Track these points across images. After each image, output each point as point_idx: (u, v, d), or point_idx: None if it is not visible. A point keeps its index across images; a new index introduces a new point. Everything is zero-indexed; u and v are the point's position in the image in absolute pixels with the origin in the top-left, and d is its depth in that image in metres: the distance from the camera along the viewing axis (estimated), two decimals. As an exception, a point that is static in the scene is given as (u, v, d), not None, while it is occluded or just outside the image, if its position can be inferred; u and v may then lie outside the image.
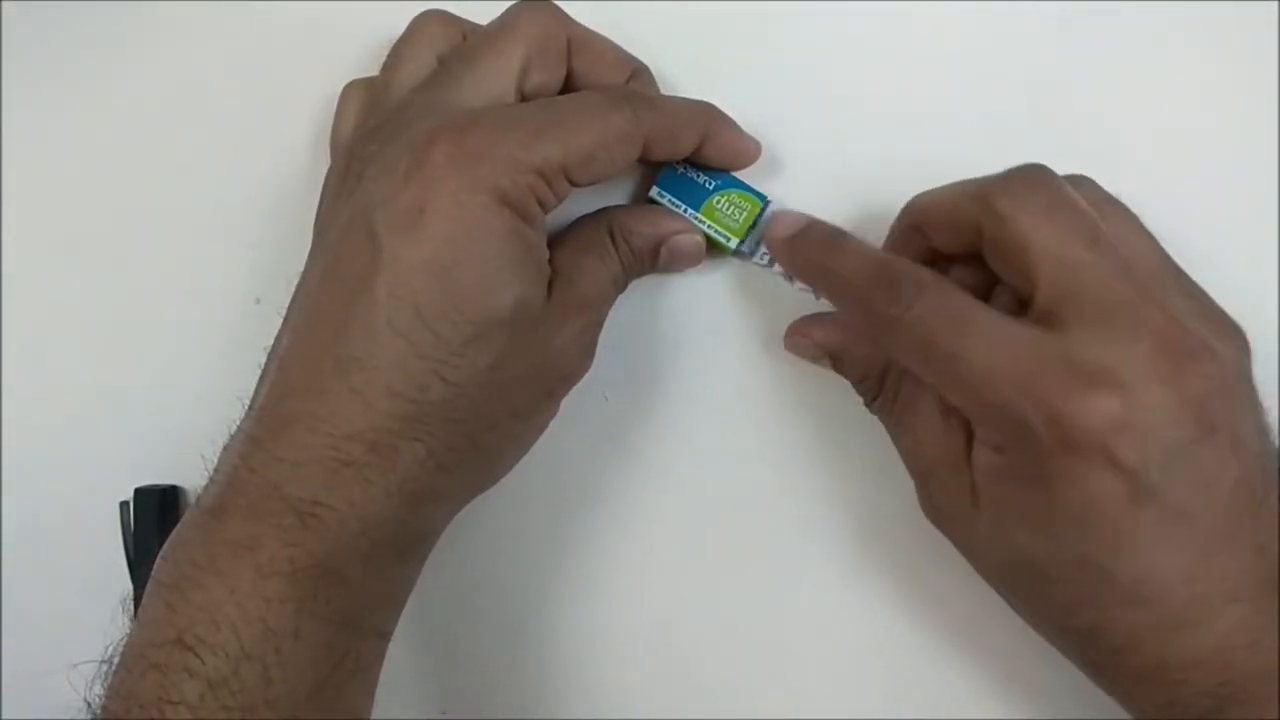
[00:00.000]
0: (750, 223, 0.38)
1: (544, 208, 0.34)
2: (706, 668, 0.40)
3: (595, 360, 0.37)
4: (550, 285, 0.35)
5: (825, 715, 0.39)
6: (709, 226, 0.38)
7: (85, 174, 0.43)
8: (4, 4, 0.43)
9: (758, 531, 0.40)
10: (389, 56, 0.38)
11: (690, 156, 0.37)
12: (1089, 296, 0.31)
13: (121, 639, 0.31)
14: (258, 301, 0.41)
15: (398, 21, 0.39)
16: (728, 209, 0.38)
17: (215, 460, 0.33)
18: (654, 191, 0.38)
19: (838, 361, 0.38)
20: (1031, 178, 0.33)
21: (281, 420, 0.32)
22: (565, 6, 0.37)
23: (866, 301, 0.33)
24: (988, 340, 0.31)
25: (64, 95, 0.43)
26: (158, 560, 0.32)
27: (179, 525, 0.32)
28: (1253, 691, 0.30)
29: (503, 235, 0.32)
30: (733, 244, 0.38)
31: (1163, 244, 0.35)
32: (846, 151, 0.40)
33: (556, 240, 0.36)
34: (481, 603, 0.40)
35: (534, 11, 0.36)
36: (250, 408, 0.33)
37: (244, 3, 0.42)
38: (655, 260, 0.38)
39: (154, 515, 0.40)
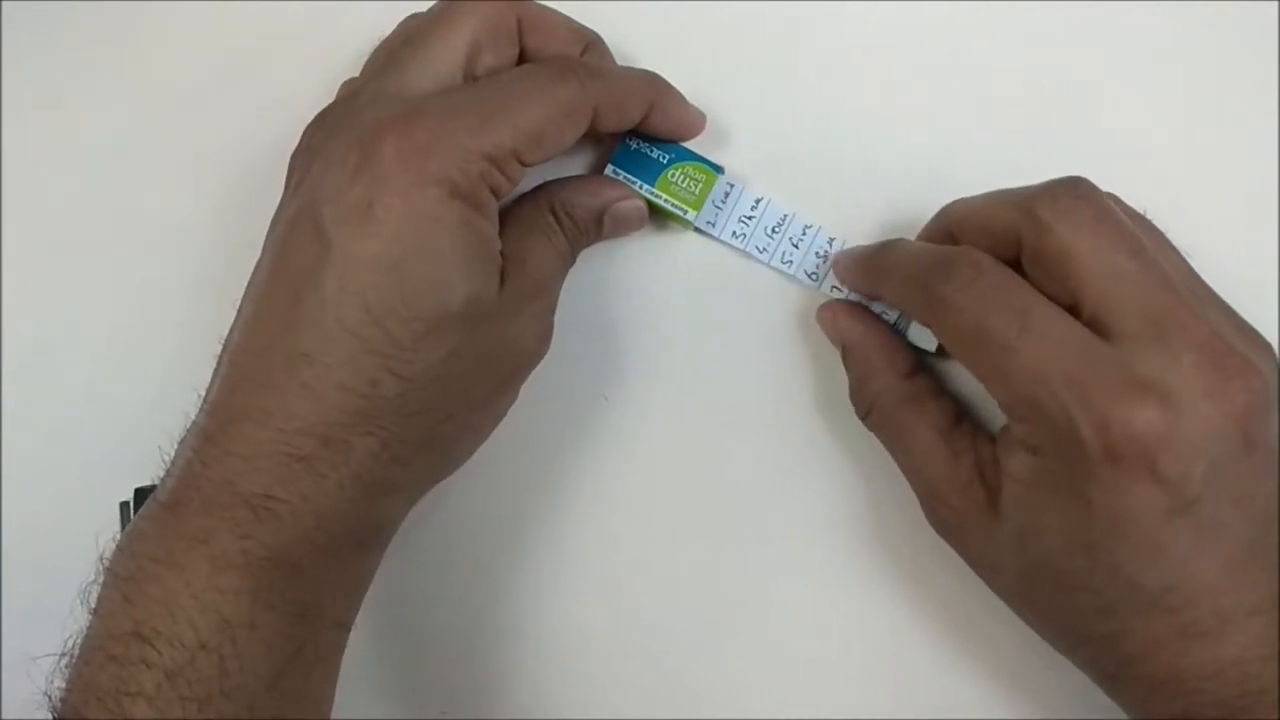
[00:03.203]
0: (705, 194, 0.38)
1: (496, 194, 0.33)
2: (707, 668, 0.40)
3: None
4: (500, 273, 0.34)
5: (827, 716, 0.39)
6: (665, 200, 0.38)
7: (85, 174, 0.43)
8: (4, 4, 0.44)
9: (760, 530, 0.39)
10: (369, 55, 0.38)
11: (638, 127, 0.37)
12: (1136, 307, 0.30)
13: (79, 632, 0.32)
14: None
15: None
16: (683, 181, 0.38)
17: (172, 454, 0.33)
18: (609, 170, 0.38)
19: (845, 355, 0.37)
20: (1075, 189, 0.32)
21: (232, 415, 0.32)
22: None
23: (922, 283, 0.33)
24: (1044, 336, 0.30)
25: (64, 95, 0.43)
26: (114, 553, 0.32)
27: (135, 518, 0.32)
28: (1265, 705, 0.29)
29: (453, 228, 0.32)
30: (690, 216, 0.38)
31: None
32: (836, 152, 0.40)
33: (499, 223, 0.35)
34: (481, 603, 0.40)
35: None
36: (204, 401, 0.33)
37: (243, 3, 0.42)
38: (600, 230, 0.38)
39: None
